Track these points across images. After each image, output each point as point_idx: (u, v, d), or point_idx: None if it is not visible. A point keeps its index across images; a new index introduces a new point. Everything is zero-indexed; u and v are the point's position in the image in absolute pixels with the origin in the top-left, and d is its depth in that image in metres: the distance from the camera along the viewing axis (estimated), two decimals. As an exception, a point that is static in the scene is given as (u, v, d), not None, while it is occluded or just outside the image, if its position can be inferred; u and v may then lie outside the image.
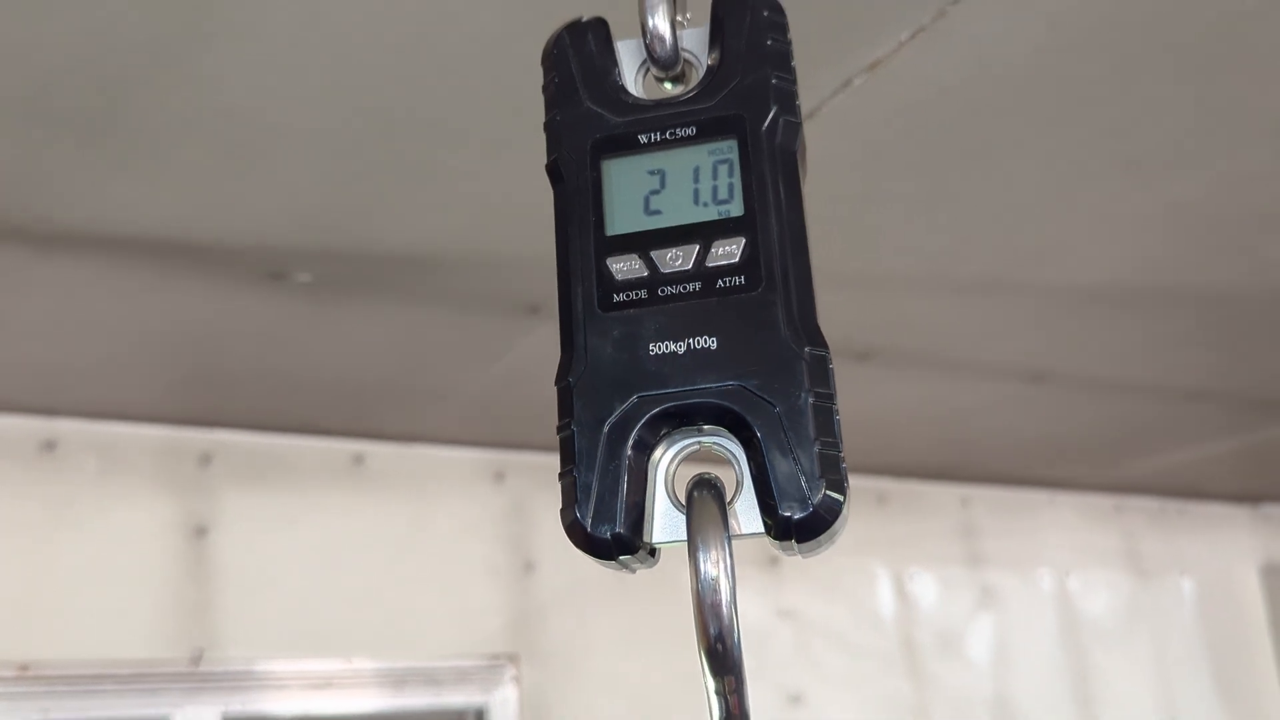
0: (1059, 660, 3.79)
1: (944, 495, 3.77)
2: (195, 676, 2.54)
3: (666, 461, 0.49)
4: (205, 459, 2.71)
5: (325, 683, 2.66)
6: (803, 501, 0.45)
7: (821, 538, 0.46)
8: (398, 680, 2.72)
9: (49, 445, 2.57)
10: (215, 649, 2.58)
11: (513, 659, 2.87)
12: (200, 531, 2.66)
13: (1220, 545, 4.36)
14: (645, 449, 0.48)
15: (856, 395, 2.68)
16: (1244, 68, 1.46)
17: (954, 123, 1.54)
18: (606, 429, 0.48)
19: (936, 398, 2.81)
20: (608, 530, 0.47)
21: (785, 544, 0.47)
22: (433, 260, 1.84)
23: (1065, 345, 2.47)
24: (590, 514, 0.47)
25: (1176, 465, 3.73)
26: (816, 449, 0.46)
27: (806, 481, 0.45)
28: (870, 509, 3.59)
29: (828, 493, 0.46)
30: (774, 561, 3.32)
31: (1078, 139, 1.61)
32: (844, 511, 0.46)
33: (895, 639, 3.52)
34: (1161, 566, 4.15)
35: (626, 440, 0.48)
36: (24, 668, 2.39)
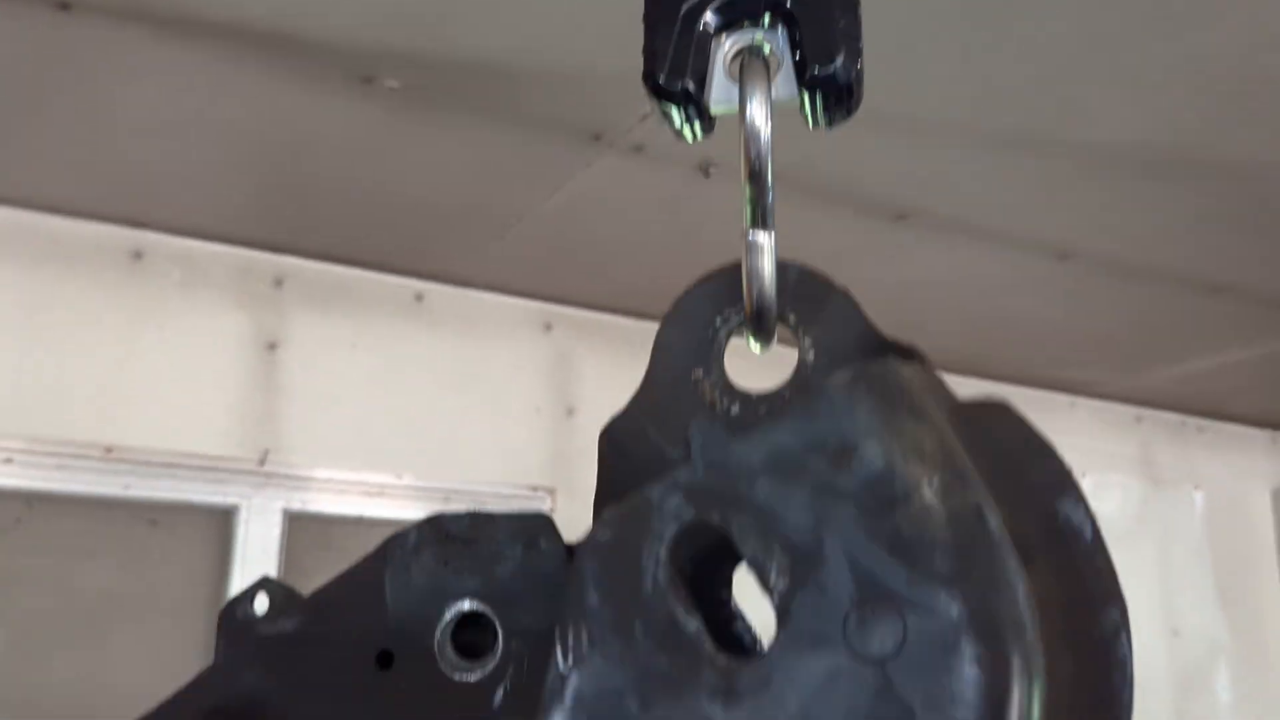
0: (1067, 554, 3.94)
1: (967, 390, 3.90)
2: (261, 474, 2.76)
3: (728, 45, 0.64)
4: (278, 281, 2.91)
5: (378, 492, 2.88)
6: (827, 63, 0.61)
7: (839, 100, 0.62)
8: (444, 498, 2.94)
9: (137, 254, 2.77)
10: (278, 453, 2.80)
11: (550, 492, 3.08)
12: (271, 346, 2.86)
13: (1236, 464, 4.49)
14: (712, 32, 0.64)
15: (891, 260, 2.83)
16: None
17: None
18: (683, 11, 0.64)
19: (966, 270, 2.94)
20: (678, 83, 0.63)
21: (812, 111, 0.63)
22: (510, 72, 2.00)
23: (1092, 219, 2.60)
24: (665, 70, 0.64)
25: (1198, 374, 3.85)
26: (841, 25, 0.62)
27: (831, 51, 0.62)
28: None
29: (846, 59, 0.62)
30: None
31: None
32: (857, 69, 0.62)
33: (911, 519, 3.68)
34: (1176, 477, 4.29)
35: (698, 22, 0.64)
36: (109, 449, 2.61)
